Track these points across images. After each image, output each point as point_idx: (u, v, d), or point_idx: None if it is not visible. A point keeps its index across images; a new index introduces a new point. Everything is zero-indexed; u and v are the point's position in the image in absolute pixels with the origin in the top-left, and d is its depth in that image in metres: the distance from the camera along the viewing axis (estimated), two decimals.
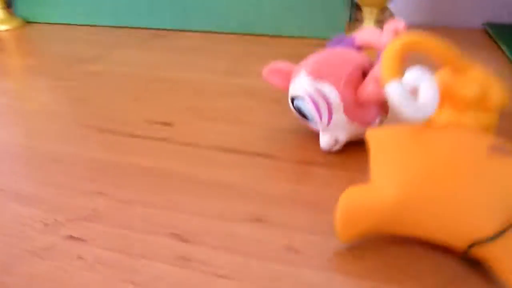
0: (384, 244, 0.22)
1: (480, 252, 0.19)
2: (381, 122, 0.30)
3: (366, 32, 0.31)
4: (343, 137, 0.29)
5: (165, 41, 0.59)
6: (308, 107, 0.28)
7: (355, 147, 0.30)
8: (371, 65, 0.29)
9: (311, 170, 0.29)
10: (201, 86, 0.43)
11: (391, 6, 0.61)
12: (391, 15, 0.63)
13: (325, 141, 0.29)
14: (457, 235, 0.19)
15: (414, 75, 0.21)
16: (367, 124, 0.28)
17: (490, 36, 0.57)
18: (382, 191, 0.20)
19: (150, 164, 0.29)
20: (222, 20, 0.62)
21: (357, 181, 0.23)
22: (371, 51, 0.30)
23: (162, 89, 0.42)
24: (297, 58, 0.33)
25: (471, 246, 0.19)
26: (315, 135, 0.30)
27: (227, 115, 0.36)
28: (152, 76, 0.46)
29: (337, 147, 0.29)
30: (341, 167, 0.29)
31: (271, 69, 0.31)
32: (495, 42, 0.54)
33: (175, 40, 0.60)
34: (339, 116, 0.28)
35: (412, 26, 0.66)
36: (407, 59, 0.22)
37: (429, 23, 0.68)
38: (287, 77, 0.30)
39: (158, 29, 0.65)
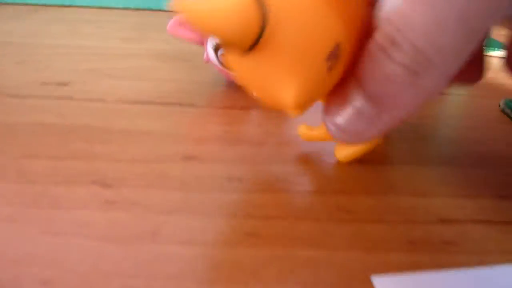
0: (325, 165, 0.21)
1: None
2: None
3: None
4: None
5: (48, 15, 0.52)
6: None
7: None
8: None
9: (240, 113, 0.27)
10: (98, 51, 0.38)
11: None
12: None
13: None
14: None
15: None
16: None
17: None
18: None
19: (50, 121, 0.25)
20: None
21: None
22: None
23: (52, 54, 0.37)
24: None
25: None
26: (237, 85, 0.29)
27: (134, 74, 0.32)
28: (38, 43, 0.40)
29: None
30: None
31: (177, 21, 0.29)
32: None
33: (59, 14, 0.53)
34: None
35: None
36: None
37: None
38: None
39: (36, 4, 0.57)
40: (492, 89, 0.32)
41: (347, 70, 0.14)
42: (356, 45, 0.14)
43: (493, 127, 0.26)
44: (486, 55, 0.17)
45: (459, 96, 0.30)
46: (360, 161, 0.21)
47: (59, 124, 0.24)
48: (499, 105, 0.28)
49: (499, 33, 0.39)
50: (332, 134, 0.15)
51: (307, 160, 0.22)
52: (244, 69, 0.14)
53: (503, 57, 0.16)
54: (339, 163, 0.21)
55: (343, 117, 0.15)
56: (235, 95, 0.30)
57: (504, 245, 0.17)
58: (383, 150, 0.23)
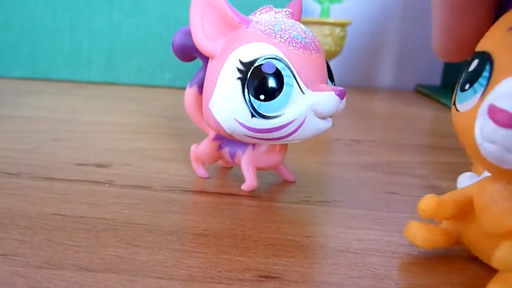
0: None
1: None
2: None
3: None
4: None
5: (91, 92, 0.51)
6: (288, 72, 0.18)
7: None
8: None
9: (313, 209, 0.21)
10: (139, 129, 0.35)
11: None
12: None
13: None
14: None
15: None
16: None
17: (423, 94, 0.61)
18: None
19: (83, 213, 0.19)
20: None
21: None
22: None
23: (91, 131, 0.33)
24: None
25: None
26: None
27: (184, 156, 0.28)
28: (78, 120, 0.37)
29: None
30: None
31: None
32: (429, 97, 0.58)
33: (103, 91, 0.51)
34: None
35: (349, 87, 0.66)
36: None
37: (364, 85, 0.69)
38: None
39: (80, 81, 0.56)
40: None
41: None
42: None
43: None
44: None
45: None
46: None
47: (94, 218, 0.19)
48: None
49: None
50: None
51: None
52: None
53: None
54: None
55: None
56: (299, 188, 0.24)
57: None
58: None
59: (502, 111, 0.12)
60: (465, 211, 0.16)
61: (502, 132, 0.12)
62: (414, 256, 0.17)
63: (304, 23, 0.51)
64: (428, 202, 0.16)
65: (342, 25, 0.51)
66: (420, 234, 0.17)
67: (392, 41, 0.68)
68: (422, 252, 0.17)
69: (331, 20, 0.50)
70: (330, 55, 0.52)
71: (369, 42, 0.68)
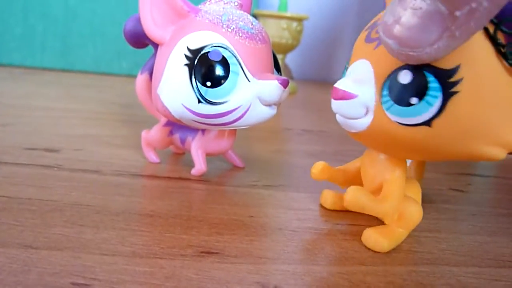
0: None
1: None
2: None
3: None
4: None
5: (44, 78, 0.49)
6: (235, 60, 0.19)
7: None
8: None
9: (260, 193, 0.22)
10: (96, 116, 0.34)
11: (287, 61, 0.61)
12: (287, 69, 0.64)
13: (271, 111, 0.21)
14: None
15: None
16: None
17: None
18: None
19: (30, 195, 0.20)
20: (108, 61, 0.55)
21: None
22: None
23: (44, 117, 0.33)
24: None
25: None
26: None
27: (135, 143, 0.28)
28: (29, 105, 0.36)
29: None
30: None
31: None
32: None
33: (57, 78, 0.50)
34: None
35: (306, 81, 0.68)
36: None
37: (321, 79, 0.71)
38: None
39: (32, 67, 0.54)
40: None
41: None
42: None
43: None
44: None
45: None
46: None
47: (41, 200, 0.19)
48: None
49: None
50: (391, 49, 0.13)
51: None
52: None
53: None
54: None
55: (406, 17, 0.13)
56: (247, 173, 0.25)
57: None
58: None
59: None
60: (357, 178, 0.20)
61: None
62: (347, 233, 0.19)
63: (262, 16, 0.52)
64: (316, 165, 0.20)
65: (299, 20, 0.52)
66: (330, 199, 0.21)
67: (348, 37, 0.70)
68: (355, 230, 0.19)
69: (288, 14, 0.51)
70: (287, 49, 0.54)
71: (326, 37, 0.70)
